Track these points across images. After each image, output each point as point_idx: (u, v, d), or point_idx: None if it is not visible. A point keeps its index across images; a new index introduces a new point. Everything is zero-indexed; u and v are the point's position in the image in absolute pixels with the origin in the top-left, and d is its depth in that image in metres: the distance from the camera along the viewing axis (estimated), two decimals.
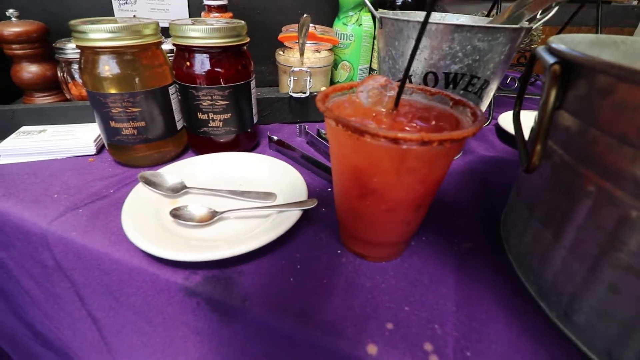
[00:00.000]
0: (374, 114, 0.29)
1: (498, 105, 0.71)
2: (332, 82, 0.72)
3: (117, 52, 0.39)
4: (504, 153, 0.55)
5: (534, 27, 0.43)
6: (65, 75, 0.55)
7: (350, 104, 0.29)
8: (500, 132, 0.61)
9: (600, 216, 0.23)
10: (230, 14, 0.59)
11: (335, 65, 0.71)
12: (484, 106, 0.48)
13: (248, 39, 0.44)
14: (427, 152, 0.23)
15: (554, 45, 0.26)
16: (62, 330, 0.44)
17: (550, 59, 0.26)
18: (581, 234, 0.24)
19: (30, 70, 0.56)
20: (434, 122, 0.27)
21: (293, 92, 0.58)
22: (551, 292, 0.27)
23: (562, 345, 0.25)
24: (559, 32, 0.90)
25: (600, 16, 0.74)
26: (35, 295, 0.42)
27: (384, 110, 0.28)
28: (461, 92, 0.43)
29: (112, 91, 0.40)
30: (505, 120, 0.61)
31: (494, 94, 0.68)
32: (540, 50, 0.28)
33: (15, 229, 0.37)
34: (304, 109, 0.60)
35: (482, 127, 0.24)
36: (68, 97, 0.58)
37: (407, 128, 0.25)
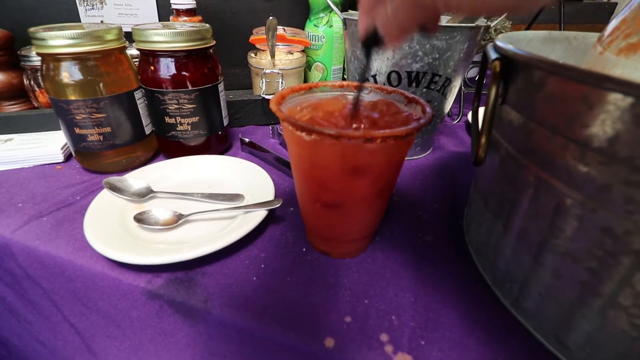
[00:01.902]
0: (334, 114, 0.30)
1: (469, 101, 0.72)
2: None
3: (79, 58, 0.39)
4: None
5: (492, 25, 0.44)
6: (31, 82, 0.54)
7: (312, 104, 0.30)
8: (470, 128, 0.63)
9: (540, 205, 0.24)
10: (199, 18, 0.59)
11: (309, 66, 0.71)
12: (449, 103, 0.49)
13: (214, 42, 0.45)
14: (374, 149, 0.23)
15: (499, 44, 0.27)
16: (43, 334, 0.43)
17: (493, 55, 0.27)
18: (526, 222, 0.25)
19: None
20: (386, 120, 0.28)
21: (265, 94, 0.58)
22: (504, 281, 0.29)
23: (515, 331, 0.26)
24: (526, 30, 0.93)
25: (563, 13, 0.77)
26: (12, 302, 0.41)
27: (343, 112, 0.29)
28: (424, 90, 0.44)
29: (75, 97, 0.39)
30: None
31: (464, 90, 0.69)
32: (489, 47, 0.29)
33: None
34: None
35: (427, 124, 0.25)
36: (35, 105, 0.57)
37: (355, 126, 0.26)
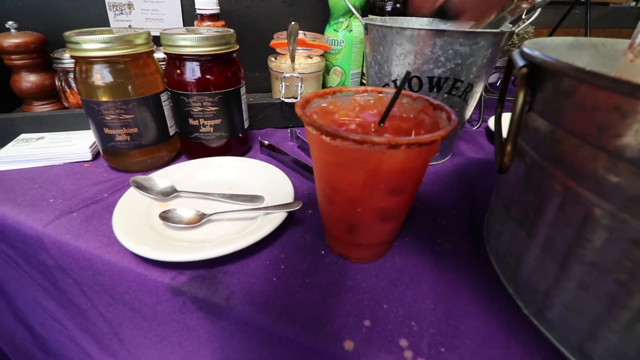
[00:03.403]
0: (358, 120, 0.30)
1: (489, 107, 0.71)
2: (324, 87, 0.74)
3: (110, 62, 0.40)
4: (493, 155, 0.56)
5: (517, 30, 0.44)
6: (62, 84, 0.57)
7: (334, 109, 0.30)
8: (490, 134, 0.62)
9: (567, 214, 0.24)
10: (223, 23, 0.61)
11: (327, 70, 0.72)
12: (469, 109, 0.49)
13: (237, 47, 0.46)
14: (398, 155, 0.23)
15: (523, 49, 0.27)
16: (76, 319, 0.45)
17: (521, 62, 0.26)
18: (551, 232, 0.25)
19: (29, 80, 0.58)
20: (413, 127, 0.28)
21: (285, 98, 0.59)
22: (527, 290, 0.28)
23: (536, 341, 0.26)
24: (551, 34, 0.91)
25: (590, 17, 0.75)
26: (47, 288, 0.43)
27: (367, 116, 0.29)
28: (445, 95, 0.44)
29: (105, 99, 0.41)
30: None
31: (485, 96, 0.69)
32: (515, 53, 0.29)
33: (14, 232, 0.38)
34: (295, 114, 0.61)
35: (454, 130, 0.25)
36: (66, 105, 0.60)
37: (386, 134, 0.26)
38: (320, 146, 0.26)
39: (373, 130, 0.29)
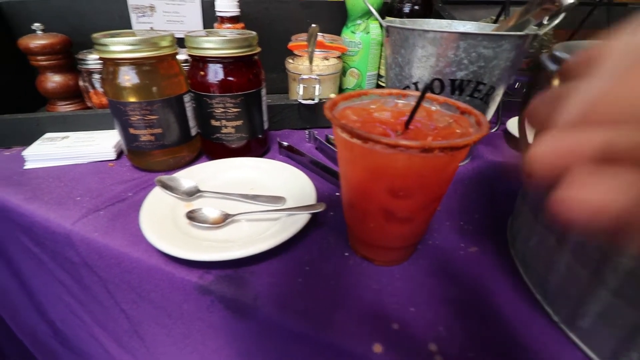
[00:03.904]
0: (382, 122, 0.30)
1: (506, 110, 0.71)
2: (340, 89, 0.74)
3: (136, 63, 0.41)
4: (512, 158, 0.55)
5: (541, 33, 0.43)
6: (86, 84, 0.58)
7: (360, 112, 0.30)
8: (509, 137, 0.61)
9: None
10: (242, 25, 0.62)
11: (343, 72, 0.72)
12: (490, 112, 0.48)
13: (259, 49, 0.46)
14: (429, 159, 0.24)
15: (556, 53, 0.27)
16: (95, 316, 0.46)
17: (552, 67, 0.26)
18: (583, 238, 0.25)
19: (54, 80, 0.59)
20: (440, 131, 0.28)
21: (302, 99, 0.60)
22: (557, 297, 0.28)
23: (567, 349, 0.26)
24: (571, 36, 0.90)
25: (610, 19, 0.74)
26: (69, 285, 0.44)
27: (392, 119, 0.29)
28: (467, 98, 0.44)
29: (132, 100, 0.42)
30: (514, 125, 0.61)
31: (502, 98, 0.68)
32: (544, 57, 0.29)
33: (42, 229, 0.39)
34: (312, 115, 0.62)
35: (485, 135, 0.25)
36: (89, 105, 0.61)
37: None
38: (350, 149, 0.26)
39: (400, 133, 0.29)
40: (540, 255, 0.29)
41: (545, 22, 0.47)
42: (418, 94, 0.33)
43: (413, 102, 0.33)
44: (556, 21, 0.44)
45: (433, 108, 0.32)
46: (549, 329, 0.27)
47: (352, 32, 0.68)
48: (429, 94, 0.33)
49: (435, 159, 0.24)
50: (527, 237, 0.31)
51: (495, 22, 0.82)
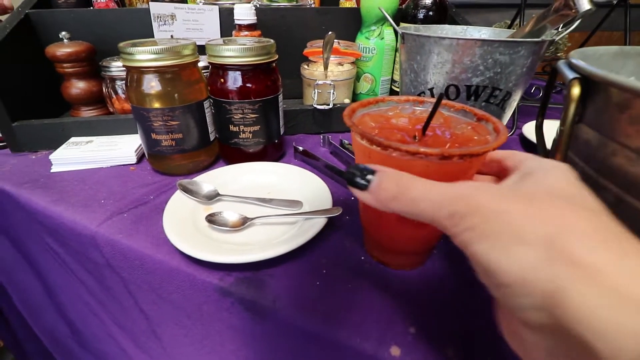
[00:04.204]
0: (400, 128, 0.31)
1: (522, 114, 0.70)
2: (354, 94, 0.74)
3: (160, 71, 0.42)
4: None
5: (557, 38, 0.43)
6: (109, 90, 0.60)
7: (378, 118, 0.31)
8: (525, 141, 0.61)
9: None
10: (259, 32, 0.63)
11: (357, 77, 0.73)
12: (506, 117, 0.48)
13: (277, 56, 0.47)
14: (448, 166, 0.24)
15: (573, 61, 0.27)
16: (114, 315, 0.48)
17: (570, 74, 0.27)
18: None
19: (78, 87, 0.61)
20: (458, 137, 0.28)
21: (317, 104, 0.61)
22: None
23: None
24: (587, 39, 0.89)
25: (629, 21, 0.73)
26: (90, 285, 0.46)
27: (409, 126, 0.30)
28: (483, 104, 0.44)
29: (155, 106, 0.43)
30: (530, 130, 0.61)
31: (518, 103, 0.68)
32: (561, 64, 0.29)
33: (69, 231, 0.41)
34: (327, 120, 0.63)
35: (504, 142, 0.25)
36: (111, 110, 0.63)
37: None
38: (369, 155, 0.27)
39: (417, 140, 0.29)
40: None
41: (561, 27, 0.47)
42: (434, 100, 0.33)
43: (430, 109, 0.33)
44: (572, 27, 0.44)
45: (450, 115, 0.32)
46: None
47: (367, 37, 0.69)
48: (446, 101, 0.33)
49: (453, 166, 0.24)
50: None
51: (509, 26, 0.82)
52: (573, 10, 0.39)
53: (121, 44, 0.42)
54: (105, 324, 0.51)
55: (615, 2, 0.78)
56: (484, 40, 0.40)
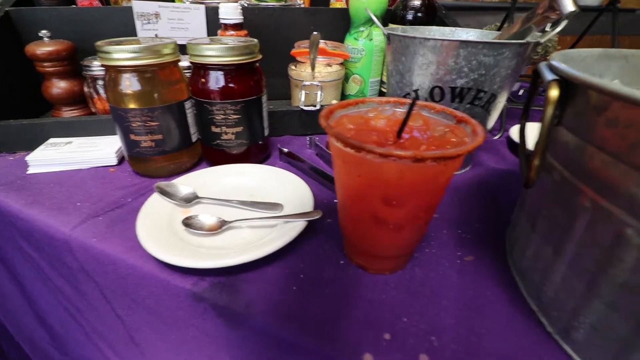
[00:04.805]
0: (378, 130, 0.30)
1: (510, 117, 0.70)
2: (342, 95, 0.74)
3: (138, 70, 0.42)
4: (515, 166, 0.55)
5: (542, 40, 0.43)
6: (91, 90, 0.59)
7: (357, 120, 0.30)
8: (512, 144, 0.61)
9: (597, 233, 0.23)
10: (246, 32, 0.62)
11: (346, 78, 0.72)
12: (492, 119, 0.48)
13: (260, 56, 0.46)
14: (422, 169, 0.23)
15: (553, 63, 0.27)
16: (91, 323, 0.46)
17: (549, 76, 0.26)
18: (579, 250, 0.24)
19: (59, 86, 0.60)
20: (435, 140, 0.28)
21: (304, 105, 0.60)
22: (552, 308, 0.27)
23: None
24: (576, 42, 0.89)
25: (617, 25, 0.73)
26: (66, 291, 0.45)
27: (388, 127, 0.29)
28: (468, 106, 0.44)
29: (133, 106, 0.42)
30: (516, 132, 0.60)
31: (506, 105, 0.68)
32: (542, 66, 0.29)
33: (42, 235, 0.40)
34: (314, 122, 0.62)
35: (479, 145, 0.25)
36: (93, 110, 0.62)
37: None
38: (344, 158, 0.26)
39: (392, 142, 0.29)
40: (537, 265, 0.29)
41: (547, 29, 0.46)
42: (420, 103, 0.33)
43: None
44: (558, 29, 0.44)
45: (430, 117, 0.32)
46: (544, 340, 0.26)
47: (355, 38, 0.68)
48: (426, 102, 0.32)
49: (427, 169, 0.24)
50: (524, 247, 0.31)
51: (499, 29, 0.82)
52: (557, 12, 0.39)
53: (98, 43, 0.41)
54: (84, 329, 0.50)
55: (604, 6, 0.78)
56: (467, 42, 0.39)
